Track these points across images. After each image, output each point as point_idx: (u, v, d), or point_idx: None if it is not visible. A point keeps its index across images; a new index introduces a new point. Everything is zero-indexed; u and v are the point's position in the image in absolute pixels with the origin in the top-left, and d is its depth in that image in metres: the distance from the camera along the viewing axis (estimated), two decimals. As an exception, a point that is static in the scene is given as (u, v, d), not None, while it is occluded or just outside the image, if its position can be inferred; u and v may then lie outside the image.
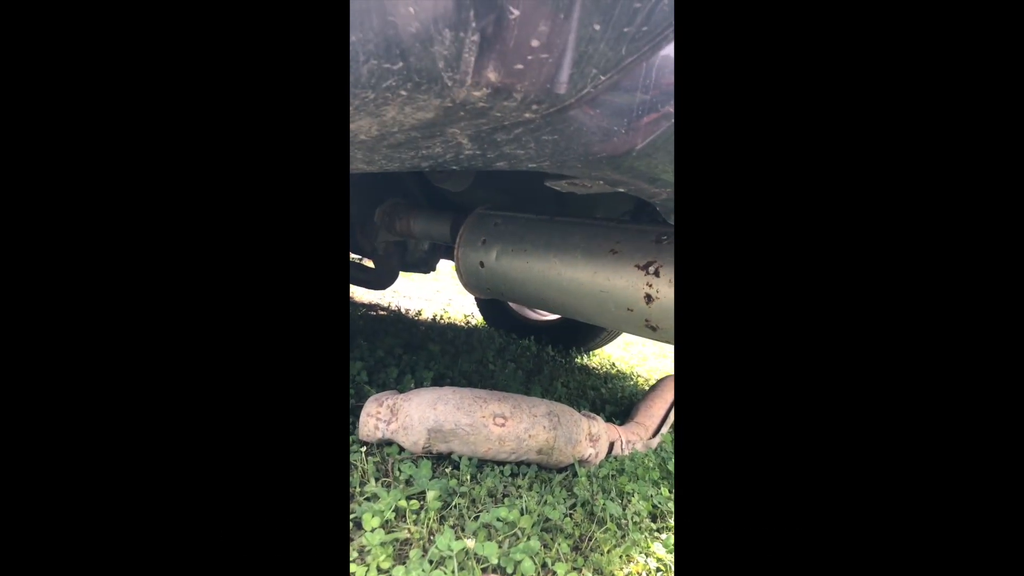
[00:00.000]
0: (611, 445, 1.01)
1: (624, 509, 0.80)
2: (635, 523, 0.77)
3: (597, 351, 2.16)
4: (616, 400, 1.39)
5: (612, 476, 0.89)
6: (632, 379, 1.76)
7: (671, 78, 0.35)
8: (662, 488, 0.90)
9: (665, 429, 1.14)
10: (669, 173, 0.41)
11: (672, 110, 0.35)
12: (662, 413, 1.18)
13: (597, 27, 0.32)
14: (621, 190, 0.49)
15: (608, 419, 1.19)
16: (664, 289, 0.70)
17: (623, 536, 0.74)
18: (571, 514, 0.77)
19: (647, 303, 0.73)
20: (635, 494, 0.85)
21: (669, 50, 0.34)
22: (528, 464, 0.88)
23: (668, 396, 1.26)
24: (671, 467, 0.97)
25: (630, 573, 0.66)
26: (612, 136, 0.37)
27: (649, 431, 1.11)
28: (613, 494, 0.83)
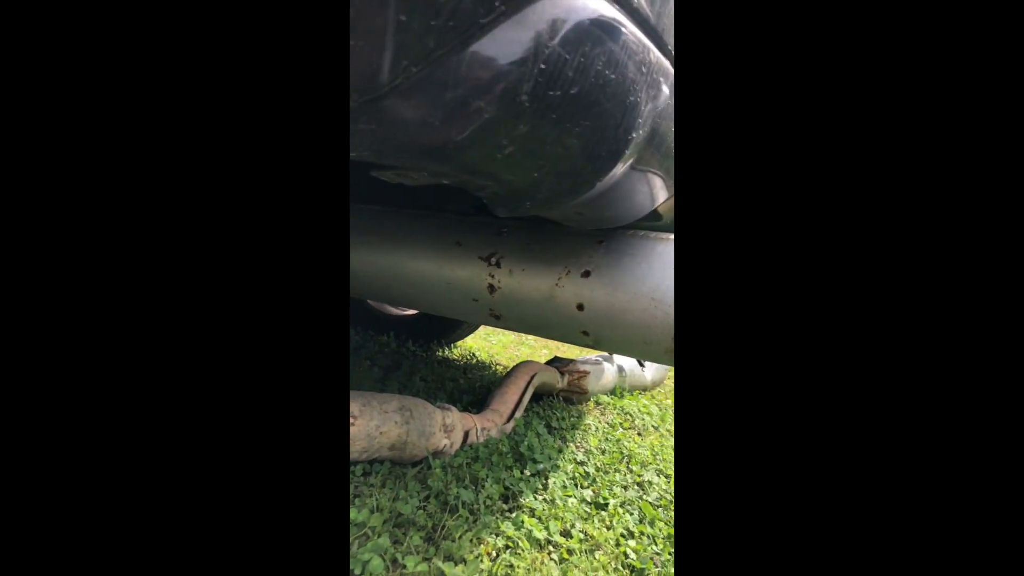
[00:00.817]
0: (466, 434, 1.03)
1: (477, 495, 0.82)
2: (487, 506, 0.80)
3: (459, 343, 2.19)
4: (474, 389, 1.42)
5: (467, 464, 0.91)
6: (491, 368, 1.81)
7: (483, 73, 0.36)
8: (514, 471, 0.93)
9: (519, 413, 1.19)
10: (491, 166, 0.42)
11: (484, 105, 0.37)
12: (516, 398, 1.23)
13: (403, 17, 0.32)
14: (446, 182, 0.50)
15: (465, 408, 1.21)
16: (505, 279, 0.73)
17: (475, 520, 0.76)
18: (424, 506, 0.77)
19: (490, 293, 0.75)
20: (488, 479, 0.87)
21: (479, 46, 0.35)
22: (381, 461, 0.86)
23: (521, 382, 1.32)
24: (523, 449, 1.02)
25: (479, 554, 0.69)
26: (428, 128, 0.37)
27: (504, 416, 1.15)
28: (467, 481, 0.85)
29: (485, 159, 0.40)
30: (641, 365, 1.84)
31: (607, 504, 0.87)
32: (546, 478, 0.93)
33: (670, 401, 1.80)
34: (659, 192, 0.58)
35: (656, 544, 0.79)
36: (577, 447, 1.13)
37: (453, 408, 1.00)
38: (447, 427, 0.98)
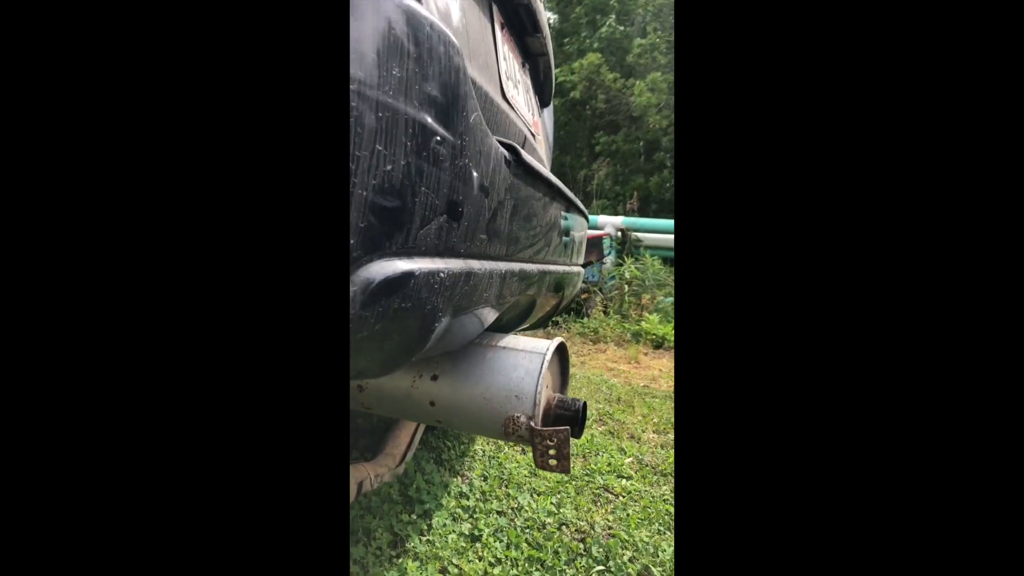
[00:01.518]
0: (360, 484, 1.16)
1: (367, 548, 0.96)
2: (376, 556, 0.94)
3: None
4: (374, 428, 1.55)
5: (359, 517, 1.05)
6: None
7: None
8: (403, 515, 1.09)
9: (411, 454, 1.33)
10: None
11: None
12: (407, 439, 1.37)
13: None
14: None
15: (362, 453, 1.34)
16: (372, 382, 0.86)
17: (366, 573, 0.90)
18: (321, 567, 0.90)
19: (359, 391, 0.88)
20: (379, 528, 1.02)
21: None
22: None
23: (412, 423, 1.46)
24: (411, 492, 1.17)
25: (367, 608, 0.84)
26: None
27: (396, 459, 1.29)
28: (360, 534, 0.99)
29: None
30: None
31: (481, 535, 1.05)
32: (431, 517, 1.09)
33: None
34: (488, 315, 0.73)
35: (518, 566, 0.98)
36: (463, 478, 1.30)
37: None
38: (341, 484, 1.11)
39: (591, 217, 5.27)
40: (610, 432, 1.78)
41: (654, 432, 1.82)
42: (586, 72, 7.21)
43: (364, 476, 1.24)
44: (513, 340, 0.80)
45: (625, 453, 1.58)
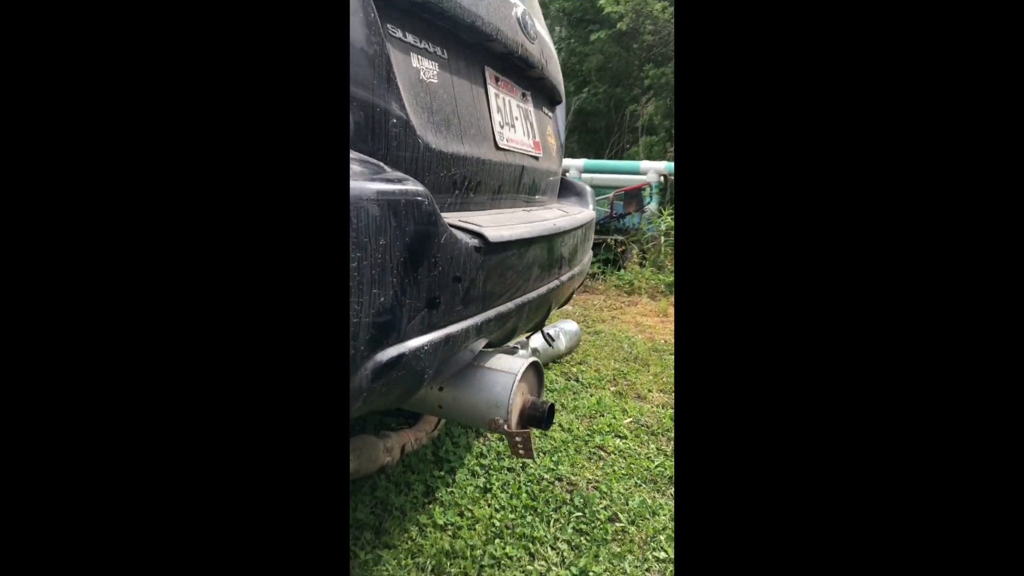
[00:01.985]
0: (403, 447, 1.52)
1: (407, 496, 1.32)
2: (412, 504, 1.30)
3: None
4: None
5: (402, 472, 1.41)
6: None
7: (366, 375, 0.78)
8: (434, 471, 1.44)
9: (442, 424, 1.68)
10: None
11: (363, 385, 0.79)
12: (441, 407, 1.72)
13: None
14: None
15: (405, 422, 1.70)
16: (401, 381, 1.17)
17: (404, 516, 1.26)
18: (373, 510, 1.27)
19: (394, 387, 1.20)
20: (415, 481, 1.38)
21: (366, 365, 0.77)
22: (346, 481, 1.35)
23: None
24: (441, 453, 1.52)
25: (409, 538, 1.20)
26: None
27: (432, 424, 1.64)
28: (401, 486, 1.35)
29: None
30: (550, 342, 2.33)
31: (492, 488, 1.39)
32: (455, 473, 1.44)
33: (576, 368, 2.31)
34: (477, 346, 1.01)
35: (516, 512, 1.31)
36: (483, 442, 1.64)
37: (391, 433, 1.49)
38: (388, 448, 1.46)
39: (635, 163, 5.28)
40: (619, 393, 2.06)
41: (660, 392, 2.08)
42: (633, 3, 6.90)
43: (406, 440, 1.60)
44: (497, 361, 1.08)
45: (627, 414, 1.87)
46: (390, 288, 0.73)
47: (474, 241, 0.91)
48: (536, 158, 1.54)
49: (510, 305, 1.09)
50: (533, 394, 1.12)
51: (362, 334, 0.70)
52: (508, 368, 1.05)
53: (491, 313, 1.01)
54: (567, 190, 2.02)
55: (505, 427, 1.00)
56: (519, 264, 1.09)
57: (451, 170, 1.04)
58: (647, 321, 3.18)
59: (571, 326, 2.51)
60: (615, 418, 1.82)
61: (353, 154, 0.76)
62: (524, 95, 1.51)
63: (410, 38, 0.96)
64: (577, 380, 2.17)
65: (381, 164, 0.78)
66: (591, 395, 2.01)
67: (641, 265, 4.17)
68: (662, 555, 1.17)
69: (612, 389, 2.10)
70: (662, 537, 1.22)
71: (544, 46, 1.52)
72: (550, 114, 1.84)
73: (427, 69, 1.00)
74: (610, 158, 7.19)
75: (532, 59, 1.40)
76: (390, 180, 0.73)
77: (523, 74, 1.47)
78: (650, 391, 2.08)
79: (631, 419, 1.83)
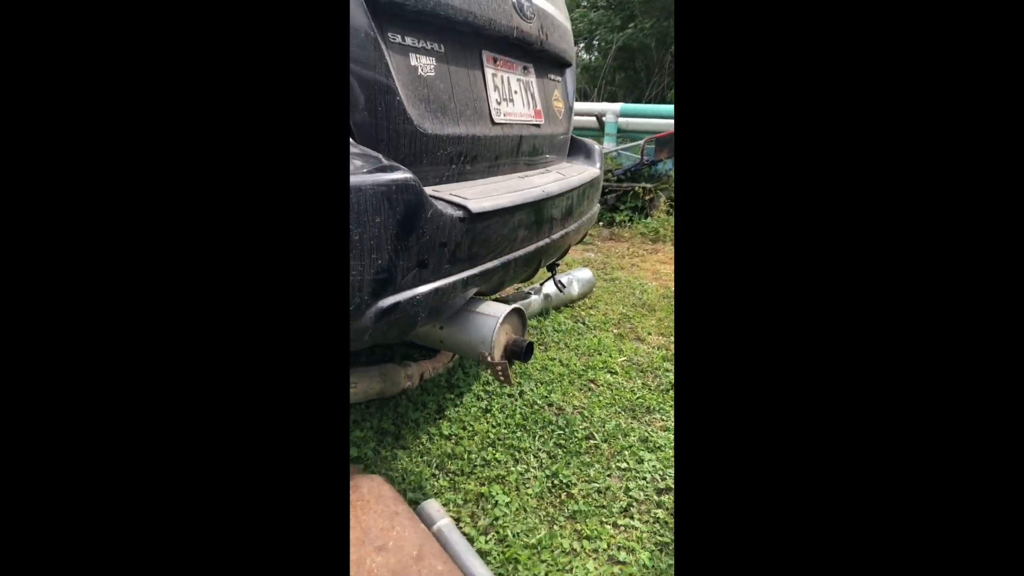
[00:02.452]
0: (422, 375, 1.82)
1: (422, 412, 1.63)
2: (425, 419, 1.61)
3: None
4: (438, 330, 2.20)
5: (419, 394, 1.72)
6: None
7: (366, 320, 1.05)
8: (446, 394, 1.74)
9: (456, 356, 1.97)
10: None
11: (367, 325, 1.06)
12: (456, 343, 2.01)
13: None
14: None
15: (424, 356, 2.00)
16: (412, 321, 1.45)
17: (418, 427, 1.58)
18: (394, 421, 1.59)
19: (407, 325, 1.48)
20: (430, 402, 1.68)
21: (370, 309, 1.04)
22: (372, 400, 1.67)
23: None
24: (454, 380, 1.81)
25: (420, 443, 1.51)
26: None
27: (448, 358, 1.94)
28: (418, 405, 1.66)
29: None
30: (561, 288, 2.55)
31: (492, 409, 1.68)
32: (463, 396, 1.74)
33: (585, 312, 2.54)
34: (468, 294, 1.26)
35: (510, 428, 1.60)
36: (490, 373, 1.92)
37: (412, 363, 1.79)
38: (408, 375, 1.77)
39: (671, 107, 5.20)
40: (620, 335, 2.29)
41: (660, 335, 2.29)
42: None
43: (425, 369, 1.91)
44: (486, 307, 1.33)
45: (622, 353, 2.10)
46: (386, 253, 0.98)
47: (458, 212, 1.14)
48: (537, 126, 1.71)
49: (496, 262, 1.32)
50: (517, 334, 1.37)
51: (365, 287, 0.96)
52: (493, 312, 1.30)
53: (477, 270, 1.24)
54: (577, 149, 2.17)
55: (489, 359, 1.26)
56: (503, 229, 1.31)
57: (447, 149, 1.26)
58: (665, 269, 3.33)
59: (585, 274, 2.72)
60: (611, 356, 2.05)
61: (356, 148, 0.99)
62: (525, 68, 1.67)
63: (409, 40, 1.16)
64: (583, 323, 2.40)
65: (379, 156, 1.01)
66: (594, 336, 2.24)
67: (668, 213, 4.25)
68: (623, 465, 1.43)
69: (615, 331, 2.33)
70: (627, 452, 1.48)
71: (545, 20, 1.66)
72: (557, 79, 1.98)
73: (424, 65, 1.21)
74: (649, 102, 7.04)
75: (529, 38, 1.55)
76: (384, 170, 0.97)
77: (523, 50, 1.62)
78: (649, 334, 2.29)
79: (625, 358, 2.06)
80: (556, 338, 2.21)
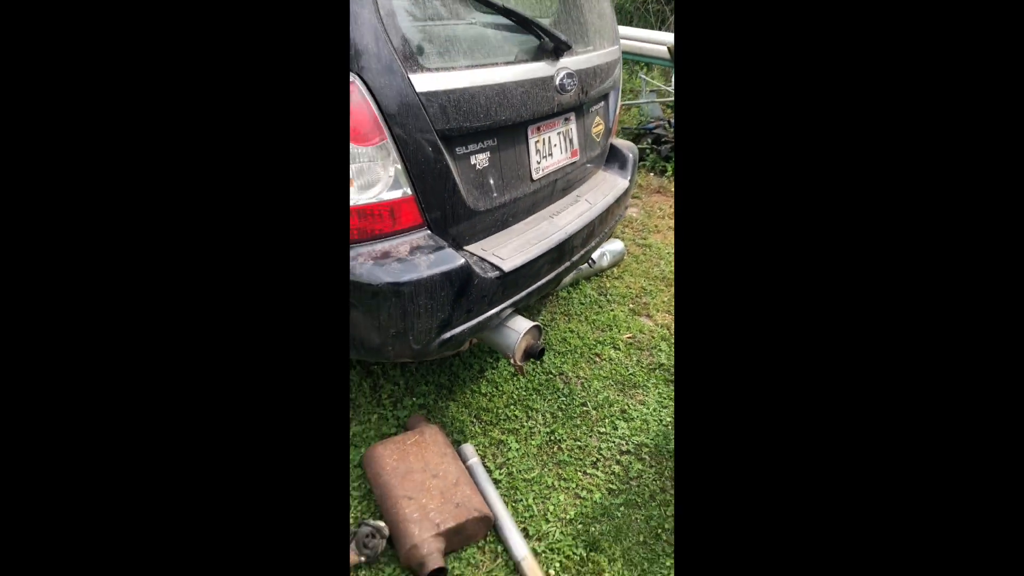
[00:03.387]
0: (471, 340, 2.46)
1: (469, 371, 2.30)
2: (471, 377, 2.28)
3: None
4: (487, 295, 2.81)
5: (470, 356, 2.37)
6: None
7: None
8: (487, 358, 2.39)
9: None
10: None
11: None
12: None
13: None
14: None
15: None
16: (464, 318, 2.07)
17: (465, 386, 2.25)
18: (448, 379, 2.27)
19: (460, 319, 2.09)
20: (475, 364, 2.34)
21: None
22: (436, 360, 2.35)
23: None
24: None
25: (464, 396, 2.19)
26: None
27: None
28: (467, 364, 2.33)
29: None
30: (591, 264, 3.01)
31: (517, 374, 2.33)
32: (499, 361, 2.38)
33: (610, 284, 3.05)
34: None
35: (526, 390, 2.24)
36: (522, 339, 2.54)
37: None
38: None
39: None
40: (633, 311, 2.81)
41: (666, 312, 2.80)
42: None
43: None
44: (515, 322, 1.90)
45: (629, 329, 2.65)
46: (448, 309, 1.56)
47: (495, 273, 1.69)
48: (573, 163, 2.14)
49: (522, 293, 1.86)
50: (535, 341, 1.96)
51: (434, 330, 1.56)
52: (518, 328, 1.88)
53: (508, 303, 1.80)
54: (614, 157, 2.55)
55: (512, 360, 1.87)
56: (530, 271, 1.84)
57: (493, 215, 1.77)
58: (696, 235, 3.69)
59: (617, 246, 3.17)
60: (619, 333, 2.60)
61: (432, 240, 1.53)
62: (566, 119, 2.07)
63: (470, 147, 1.64)
64: (606, 295, 2.92)
65: (444, 245, 1.55)
66: (611, 310, 2.78)
67: (717, 170, 4.42)
68: (603, 429, 2.06)
69: (630, 306, 2.84)
70: (607, 420, 2.10)
71: (585, 78, 2.01)
72: (599, 107, 2.33)
73: (480, 160, 1.69)
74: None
75: (571, 103, 1.95)
76: (446, 260, 1.52)
77: (565, 110, 2.01)
78: (659, 311, 2.79)
79: (631, 335, 2.61)
80: (579, 310, 2.77)
